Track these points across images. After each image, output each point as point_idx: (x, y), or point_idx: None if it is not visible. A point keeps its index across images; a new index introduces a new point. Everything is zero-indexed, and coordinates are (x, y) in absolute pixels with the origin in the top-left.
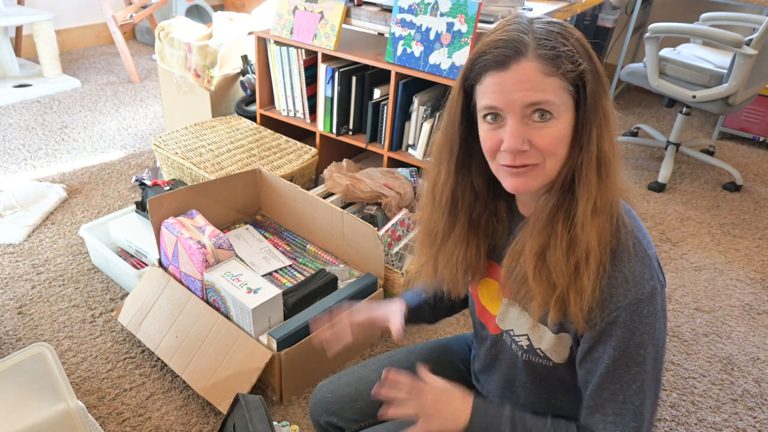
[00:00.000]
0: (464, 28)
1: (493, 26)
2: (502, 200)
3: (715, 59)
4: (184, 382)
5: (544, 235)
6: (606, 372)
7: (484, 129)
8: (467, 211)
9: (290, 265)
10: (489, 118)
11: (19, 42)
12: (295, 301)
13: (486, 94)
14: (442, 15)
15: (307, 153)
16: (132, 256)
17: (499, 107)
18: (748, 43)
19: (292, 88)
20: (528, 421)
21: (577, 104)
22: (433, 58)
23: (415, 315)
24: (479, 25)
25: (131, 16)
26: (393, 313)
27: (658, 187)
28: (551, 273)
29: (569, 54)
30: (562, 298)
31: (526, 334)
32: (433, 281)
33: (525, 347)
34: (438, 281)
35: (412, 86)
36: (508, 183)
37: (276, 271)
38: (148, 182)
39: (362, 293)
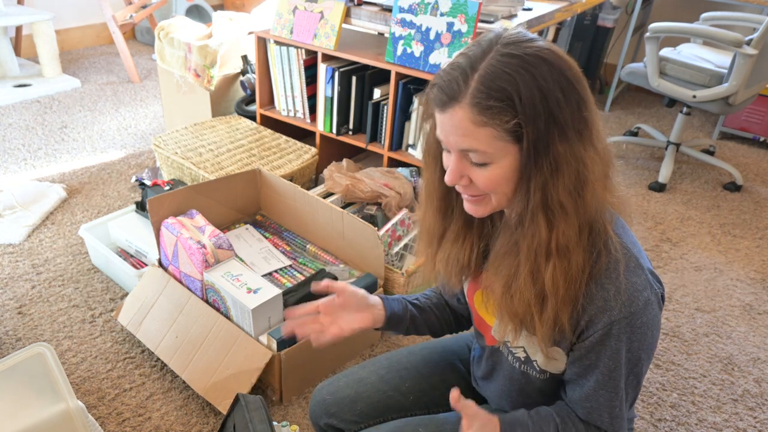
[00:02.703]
0: (464, 28)
1: (496, 26)
2: None
3: (716, 59)
4: (184, 382)
5: (511, 258)
6: (602, 380)
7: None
8: (461, 210)
9: (290, 265)
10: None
11: (19, 42)
12: (295, 301)
13: (436, 125)
14: (442, 15)
15: (307, 153)
16: (132, 256)
17: (442, 140)
18: (748, 43)
19: (292, 88)
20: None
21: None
22: (433, 58)
23: (394, 324)
24: (479, 25)
25: (131, 16)
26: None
27: (659, 187)
28: (514, 299)
29: (504, 106)
30: (525, 323)
31: (522, 346)
32: (431, 275)
33: (522, 359)
34: (435, 279)
35: (412, 86)
36: (464, 205)
37: (276, 271)
38: (148, 182)
39: None
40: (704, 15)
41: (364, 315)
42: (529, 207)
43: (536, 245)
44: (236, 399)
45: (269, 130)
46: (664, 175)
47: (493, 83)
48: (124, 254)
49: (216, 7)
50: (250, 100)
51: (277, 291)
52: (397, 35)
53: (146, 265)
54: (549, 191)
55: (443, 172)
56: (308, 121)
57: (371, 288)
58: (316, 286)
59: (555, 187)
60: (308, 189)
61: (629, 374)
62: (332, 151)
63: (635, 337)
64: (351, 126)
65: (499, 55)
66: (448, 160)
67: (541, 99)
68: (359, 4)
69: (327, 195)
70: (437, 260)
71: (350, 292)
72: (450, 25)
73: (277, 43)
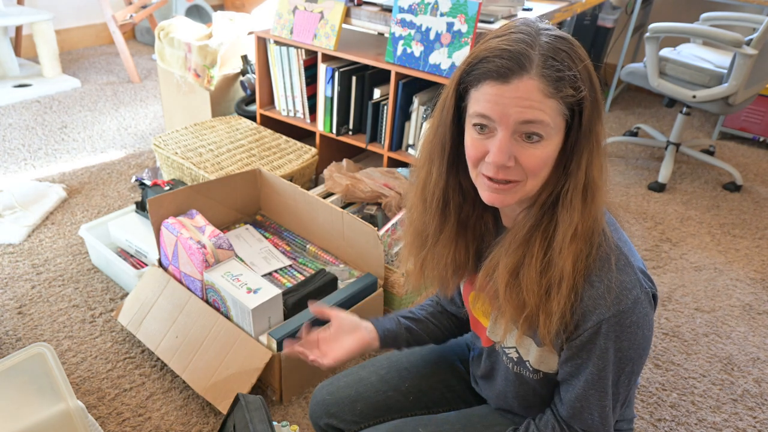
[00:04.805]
0: (464, 28)
1: (496, 26)
2: (489, 210)
3: (715, 59)
4: (184, 382)
5: (519, 252)
6: (591, 379)
7: (471, 136)
8: (456, 211)
9: (290, 265)
10: (478, 126)
11: (19, 42)
12: (295, 301)
13: (480, 102)
14: (442, 15)
15: (307, 153)
16: (132, 256)
17: (492, 118)
18: (748, 43)
19: (292, 88)
20: None
21: (569, 128)
22: (433, 58)
23: (391, 340)
24: (479, 25)
25: (131, 16)
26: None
27: (658, 187)
28: (522, 292)
29: (573, 79)
30: (531, 318)
31: (515, 347)
32: (419, 283)
33: (515, 359)
34: (425, 283)
35: (412, 86)
36: (484, 195)
37: (276, 271)
38: (148, 182)
39: (362, 293)
40: (704, 15)
41: (358, 334)
42: (569, 188)
43: (567, 227)
44: (236, 399)
45: (269, 130)
46: (663, 175)
47: (557, 56)
48: (124, 254)
49: (216, 7)
50: (250, 100)
51: (277, 291)
52: (397, 35)
53: (146, 265)
54: (590, 170)
55: (450, 165)
56: (308, 121)
57: (371, 288)
58: (313, 308)
59: (595, 165)
60: (308, 189)
61: (620, 374)
62: (332, 151)
63: (624, 336)
64: (351, 126)
65: (547, 36)
66: (481, 147)
67: (591, 80)
68: (359, 4)
69: (327, 195)
70: (427, 265)
71: (343, 316)
72: (450, 25)
73: (277, 43)
